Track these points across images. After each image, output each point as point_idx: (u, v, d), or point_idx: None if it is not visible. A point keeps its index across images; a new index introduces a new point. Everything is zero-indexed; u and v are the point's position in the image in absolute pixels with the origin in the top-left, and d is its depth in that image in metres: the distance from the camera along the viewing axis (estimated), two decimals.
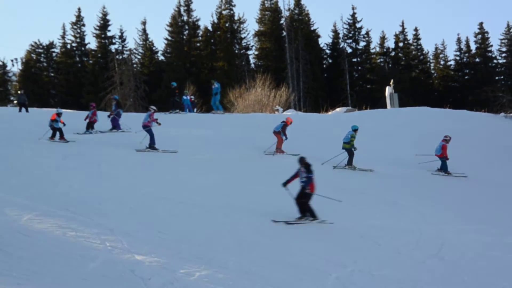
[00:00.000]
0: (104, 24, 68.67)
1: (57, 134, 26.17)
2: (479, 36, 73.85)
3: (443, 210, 20.90)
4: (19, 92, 36.10)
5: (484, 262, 15.69)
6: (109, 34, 69.14)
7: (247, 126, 31.40)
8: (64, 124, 26.87)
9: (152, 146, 25.89)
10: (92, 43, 70.08)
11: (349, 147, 26.38)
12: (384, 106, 48.91)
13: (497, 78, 72.68)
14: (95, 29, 68.66)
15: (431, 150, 28.52)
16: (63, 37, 69.13)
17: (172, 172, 21.74)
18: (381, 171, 26.39)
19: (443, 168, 27.43)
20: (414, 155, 28.55)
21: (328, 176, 24.03)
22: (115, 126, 29.67)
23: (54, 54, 69.74)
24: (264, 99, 48.66)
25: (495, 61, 74.13)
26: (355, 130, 26.62)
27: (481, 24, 74.16)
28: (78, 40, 69.22)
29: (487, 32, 73.78)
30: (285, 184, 17.50)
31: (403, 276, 13.59)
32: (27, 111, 35.48)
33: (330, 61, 74.31)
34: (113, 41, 69.22)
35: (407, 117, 39.35)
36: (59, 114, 26.85)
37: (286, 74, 65.80)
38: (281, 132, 27.41)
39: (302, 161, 17.58)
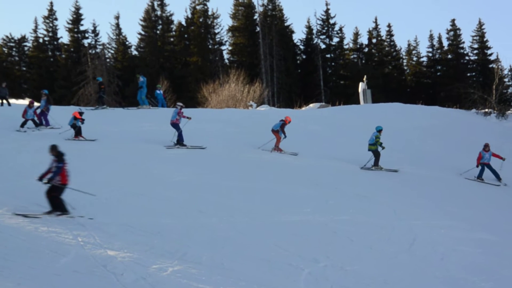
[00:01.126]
0: (77, 18, 68.04)
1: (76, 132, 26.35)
2: (451, 32, 74.31)
3: (415, 205, 21.05)
4: (2, 85, 35.53)
5: (454, 257, 15.87)
6: (82, 28, 68.58)
7: (220, 122, 31.31)
8: (83, 122, 26.83)
9: (180, 142, 26.19)
10: (64, 37, 69.63)
11: (374, 148, 26.50)
12: (357, 102, 49.13)
13: (468, 74, 73.16)
14: (68, 23, 68.06)
15: (404, 146, 28.71)
16: (35, 31, 68.43)
17: (146, 167, 21.65)
18: (353, 166, 26.51)
19: (479, 175, 26.99)
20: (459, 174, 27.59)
21: (302, 171, 24.12)
22: (43, 121, 28.83)
23: (26, 48, 69.00)
24: (238, 94, 48.66)
25: (467, 57, 74.59)
26: (379, 130, 26.87)
27: (453, 21, 74.69)
28: (50, 34, 68.53)
29: (459, 29, 74.32)
30: (40, 178, 14.97)
31: (375, 271, 13.69)
32: (9, 104, 35.08)
33: (304, 57, 74.36)
34: (86, 35, 68.66)
35: (380, 113, 39.52)
36: (81, 113, 26.95)
37: (260, 70, 65.81)
38: (279, 130, 27.48)
39: (53, 149, 15.21)
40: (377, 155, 26.42)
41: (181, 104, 27.84)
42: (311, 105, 48.69)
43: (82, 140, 26.08)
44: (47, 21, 68.37)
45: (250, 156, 25.86)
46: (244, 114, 36.21)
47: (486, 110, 45.06)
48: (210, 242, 13.96)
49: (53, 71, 64.95)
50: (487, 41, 73.81)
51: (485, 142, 27.47)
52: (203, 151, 25.69)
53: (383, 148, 26.39)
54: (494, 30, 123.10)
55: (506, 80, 67.62)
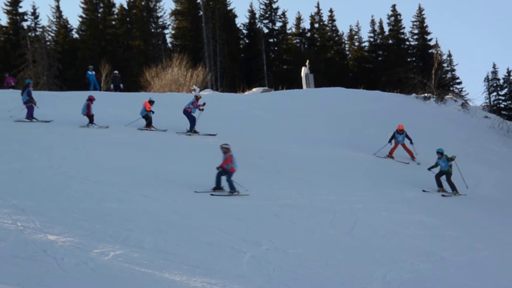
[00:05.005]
0: (15, 0, 66.55)
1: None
2: (392, 18, 75.05)
3: (356, 189, 21.32)
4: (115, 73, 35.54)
5: (394, 239, 16.21)
6: (20, 10, 67.07)
7: (163, 106, 31.03)
8: (153, 112, 27.33)
9: (192, 129, 26.94)
10: (3, 19, 68.08)
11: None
12: (300, 87, 49.28)
13: (409, 59, 73.97)
14: (6, 5, 66.48)
15: (345, 130, 29.11)
16: None
17: (88, 152, 21.39)
18: (296, 151, 26.69)
19: None
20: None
21: (244, 155, 24.19)
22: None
23: None
24: (180, 78, 48.29)
25: (407, 43, 75.52)
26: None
27: (394, 6, 75.22)
28: None
29: (399, 14, 75.02)
30: None
31: (316, 254, 13.85)
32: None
33: (247, 41, 74.18)
34: (25, 17, 67.20)
35: (323, 97, 39.84)
36: (151, 102, 27.49)
37: (203, 54, 65.47)
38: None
39: None
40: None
41: (197, 94, 28.28)
42: (254, 89, 48.66)
43: (153, 130, 26.84)
44: None
45: (194, 140, 25.83)
46: (187, 99, 36.04)
47: (426, 94, 45.77)
48: (153, 226, 13.91)
49: None
50: (426, 26, 74.84)
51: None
52: (147, 135, 25.53)
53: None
54: (434, 15, 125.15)
55: (445, 65, 68.80)
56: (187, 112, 27.02)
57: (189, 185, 18.46)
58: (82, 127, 25.73)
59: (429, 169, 24.24)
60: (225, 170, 18.65)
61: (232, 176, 18.67)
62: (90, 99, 26.63)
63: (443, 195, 22.97)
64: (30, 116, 25.76)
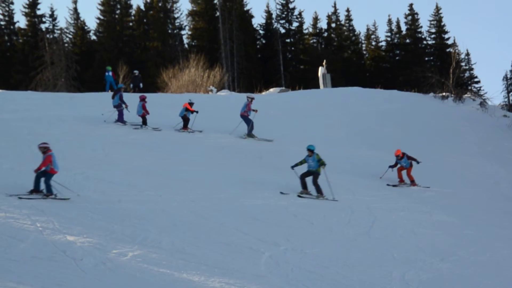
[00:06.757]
0: (33, 2, 66.87)
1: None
2: (409, 17, 74.78)
3: (374, 189, 21.26)
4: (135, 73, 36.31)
5: (413, 239, 16.15)
6: (39, 12, 67.45)
7: (180, 107, 31.10)
8: (197, 112, 27.31)
9: (250, 133, 27.09)
10: (21, 21, 68.38)
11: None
12: (317, 87, 49.24)
13: (426, 59, 73.66)
14: (24, 7, 66.85)
15: (362, 130, 28.92)
16: None
17: (106, 153, 21.44)
18: None
19: None
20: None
21: (262, 155, 24.16)
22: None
23: None
24: (198, 79, 48.36)
25: (424, 42, 75.22)
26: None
27: (411, 5, 74.99)
28: (6, 18, 67.36)
29: (416, 14, 74.74)
30: None
31: (334, 253, 13.85)
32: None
33: (264, 41, 74.16)
34: (43, 19, 67.56)
35: (340, 97, 39.77)
36: (191, 104, 27.43)
37: (220, 55, 65.48)
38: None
39: None
40: None
41: (252, 96, 28.20)
42: (271, 89, 48.71)
43: (190, 132, 26.86)
44: (3, 5, 66.95)
45: (210, 141, 25.81)
46: (204, 99, 36.11)
47: (444, 93, 45.62)
48: (170, 226, 13.94)
49: (10, 56, 63.91)
50: (444, 25, 74.51)
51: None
52: (164, 137, 25.55)
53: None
54: (451, 14, 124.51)
55: (463, 64, 68.42)
56: (244, 117, 27.23)
57: (206, 186, 18.47)
58: (135, 128, 26.01)
59: (293, 167, 20.45)
60: (45, 172, 15.86)
61: (52, 177, 15.97)
62: (143, 99, 26.81)
63: (299, 196, 19.31)
64: (121, 119, 26.33)
